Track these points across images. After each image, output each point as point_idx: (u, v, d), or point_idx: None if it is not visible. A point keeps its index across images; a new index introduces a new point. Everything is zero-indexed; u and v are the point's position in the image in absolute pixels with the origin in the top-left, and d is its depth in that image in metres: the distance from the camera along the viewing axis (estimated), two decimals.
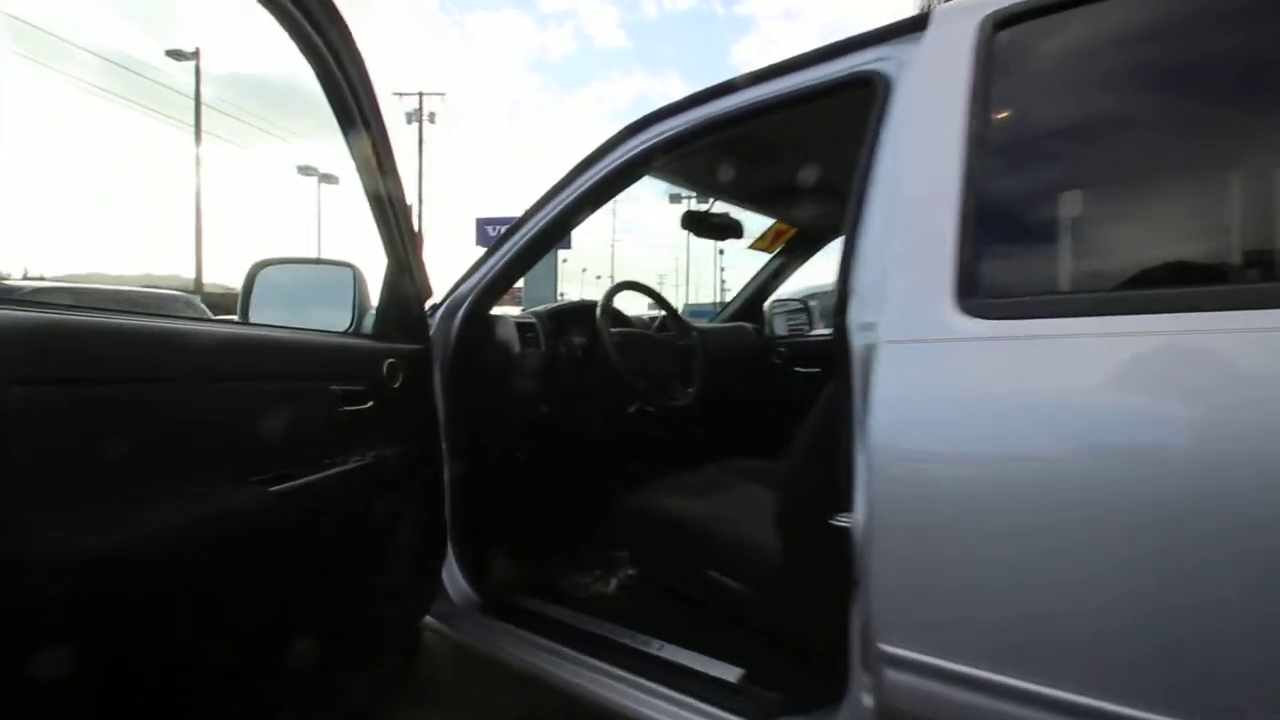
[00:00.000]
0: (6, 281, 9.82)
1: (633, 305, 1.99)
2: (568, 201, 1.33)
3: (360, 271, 1.29)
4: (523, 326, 1.53)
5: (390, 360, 1.18)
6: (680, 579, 1.34)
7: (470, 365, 1.41)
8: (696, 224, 1.83)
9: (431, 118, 22.79)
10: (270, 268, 1.27)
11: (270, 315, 1.25)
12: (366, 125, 1.11)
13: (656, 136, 1.24)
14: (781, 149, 1.50)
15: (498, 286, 1.44)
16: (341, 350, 1.14)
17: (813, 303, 3.00)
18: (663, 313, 1.87)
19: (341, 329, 1.24)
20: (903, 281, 0.82)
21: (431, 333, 1.37)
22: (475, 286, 1.43)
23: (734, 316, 2.48)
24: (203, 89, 15.82)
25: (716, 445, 2.17)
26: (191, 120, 15.87)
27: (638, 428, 1.73)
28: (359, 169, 1.17)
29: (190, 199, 14.57)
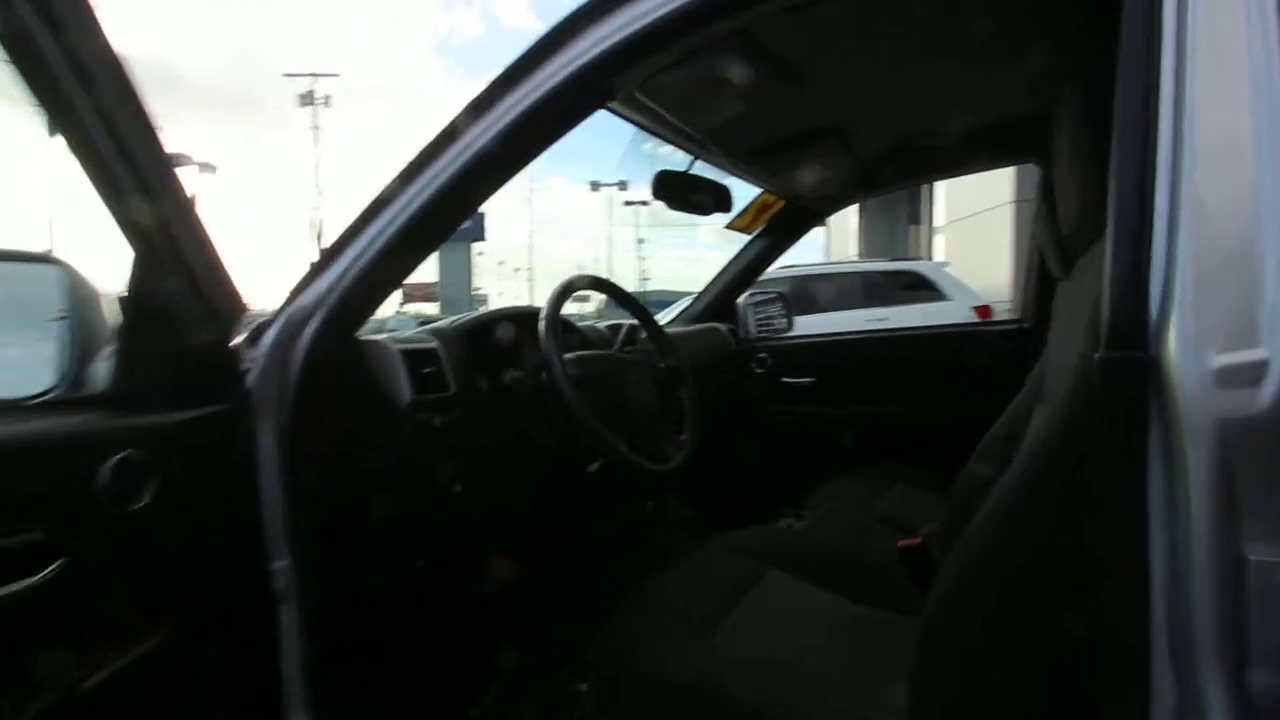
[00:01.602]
0: None
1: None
2: (482, 143, 0.76)
3: (77, 275, 0.67)
4: (416, 356, 0.95)
5: (122, 456, 0.57)
6: None
7: (327, 426, 0.82)
8: (671, 191, 1.29)
9: (326, 101, 21.12)
10: None
11: None
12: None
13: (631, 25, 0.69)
14: (833, 59, 0.97)
15: (368, 291, 0.84)
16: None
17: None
18: (628, 321, 1.33)
19: (37, 390, 0.63)
20: None
21: (253, 377, 0.77)
22: (331, 291, 0.83)
23: (700, 317, 1.97)
24: None
25: (703, 495, 1.67)
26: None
27: (600, 495, 1.19)
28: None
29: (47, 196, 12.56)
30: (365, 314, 0.90)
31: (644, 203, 26.68)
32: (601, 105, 0.87)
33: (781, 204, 1.74)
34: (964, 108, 1.19)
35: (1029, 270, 1.66)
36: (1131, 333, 0.42)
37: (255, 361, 0.78)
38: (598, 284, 1.19)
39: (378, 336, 0.98)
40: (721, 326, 1.89)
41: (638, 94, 0.96)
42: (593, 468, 1.11)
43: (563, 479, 1.12)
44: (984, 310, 4.96)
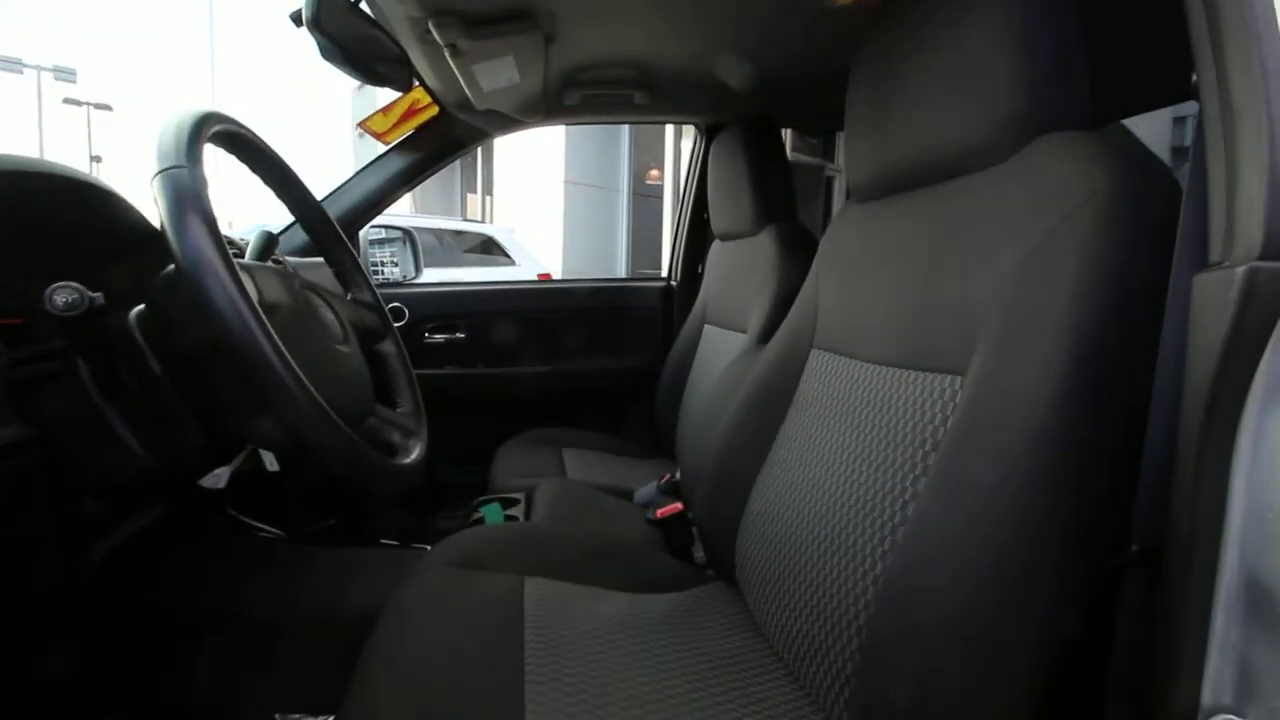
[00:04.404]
0: None
1: None
2: None
3: None
4: None
5: None
6: None
7: None
8: (333, 25, 0.80)
9: None
10: None
11: None
12: None
13: None
14: None
15: None
16: None
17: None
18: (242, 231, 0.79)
19: None
20: None
21: None
22: None
23: (310, 249, 1.43)
24: None
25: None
26: None
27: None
28: None
29: None
30: None
31: (103, 106, 19.44)
32: None
33: (434, 111, 1.37)
34: (716, 44, 1.11)
35: (678, 233, 1.74)
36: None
37: None
38: (240, 138, 0.63)
39: None
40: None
41: None
42: (215, 481, 0.61)
43: (138, 511, 0.58)
44: (546, 277, 5.32)
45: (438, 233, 5.14)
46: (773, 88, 1.27)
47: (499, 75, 1.20)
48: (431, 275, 4.30)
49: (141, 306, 0.53)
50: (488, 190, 8.47)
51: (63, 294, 0.46)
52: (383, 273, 2.07)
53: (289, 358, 0.47)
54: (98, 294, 0.47)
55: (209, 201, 0.47)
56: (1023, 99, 0.56)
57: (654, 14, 1.06)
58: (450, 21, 0.97)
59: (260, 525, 1.35)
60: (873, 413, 0.67)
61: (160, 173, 0.46)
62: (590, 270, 6.15)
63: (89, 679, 0.62)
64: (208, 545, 0.80)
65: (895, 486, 0.59)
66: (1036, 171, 0.55)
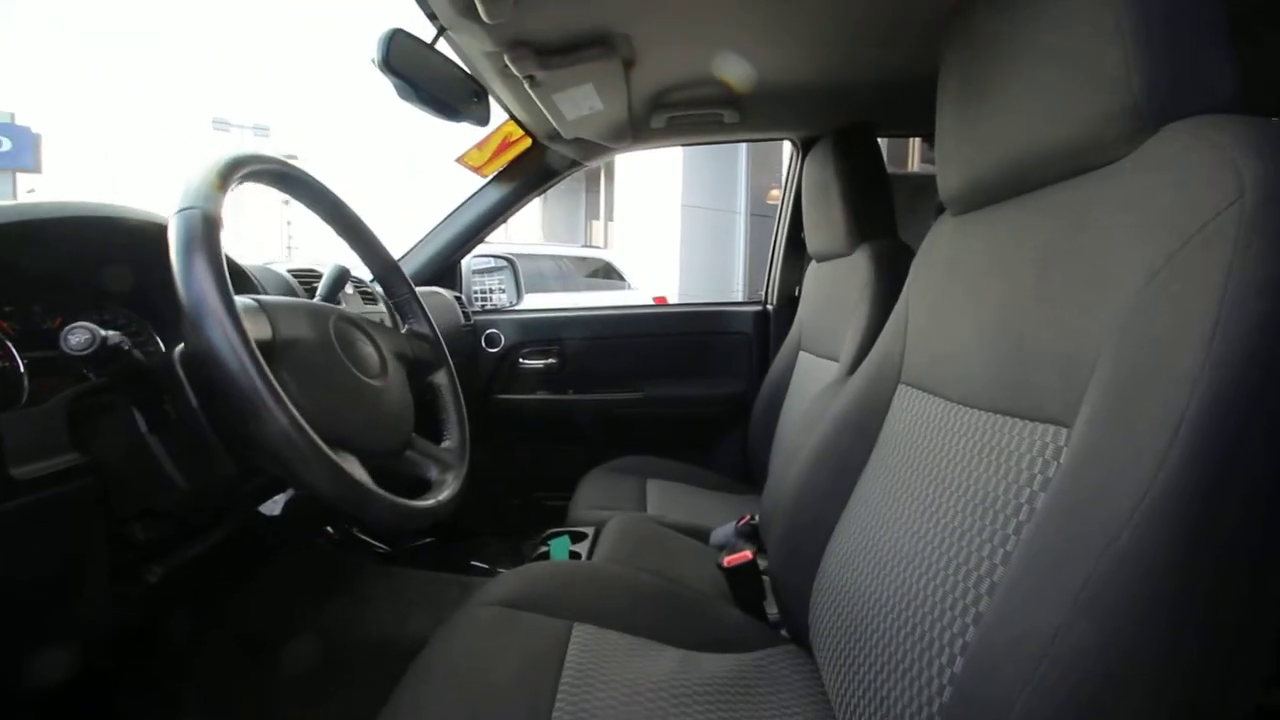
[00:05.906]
0: None
1: None
2: None
3: None
4: None
5: None
6: None
7: None
8: (406, 64, 0.84)
9: None
10: None
11: None
12: None
13: None
14: None
15: None
16: None
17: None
18: (315, 266, 0.83)
19: None
20: None
21: None
22: None
23: (415, 279, 1.51)
24: None
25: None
26: None
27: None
28: None
29: None
30: None
31: (290, 157, 22.40)
32: None
33: (527, 143, 1.40)
34: (791, 58, 1.04)
35: (773, 254, 1.66)
36: None
37: None
38: (283, 174, 0.67)
39: None
40: (446, 293, 1.47)
41: None
42: (273, 507, 0.63)
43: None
44: (662, 300, 5.35)
45: (558, 259, 5.35)
46: (869, 93, 1.16)
47: (581, 103, 1.20)
48: (545, 300, 4.46)
49: (183, 344, 0.57)
50: (610, 217, 8.72)
51: (76, 334, 0.50)
52: (490, 300, 2.16)
53: (284, 397, 0.47)
54: (111, 333, 0.51)
55: (218, 242, 0.49)
56: (1148, 74, 0.44)
57: (732, 30, 1.01)
58: (524, 53, 0.98)
59: (371, 541, 1.43)
60: (959, 466, 0.56)
61: (175, 214, 0.49)
62: (707, 294, 6.09)
63: (153, 692, 0.66)
64: (281, 568, 0.84)
65: (982, 563, 0.48)
66: (1166, 166, 0.43)
